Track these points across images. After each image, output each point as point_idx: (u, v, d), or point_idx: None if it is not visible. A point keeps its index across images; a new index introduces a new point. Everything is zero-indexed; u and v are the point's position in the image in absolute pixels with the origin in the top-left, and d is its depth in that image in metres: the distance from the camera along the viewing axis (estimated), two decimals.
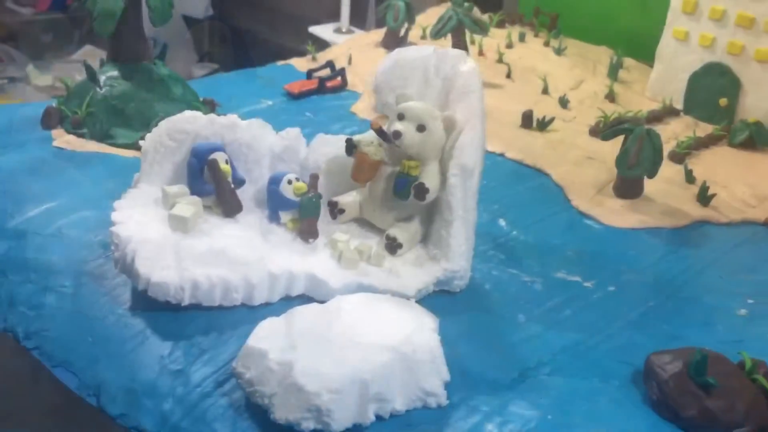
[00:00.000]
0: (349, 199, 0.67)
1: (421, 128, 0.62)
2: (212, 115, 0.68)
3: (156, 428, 0.52)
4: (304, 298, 0.61)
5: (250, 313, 0.59)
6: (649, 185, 0.87)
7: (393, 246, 0.64)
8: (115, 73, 0.87)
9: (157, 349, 0.56)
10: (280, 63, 1.21)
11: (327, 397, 0.47)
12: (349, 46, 1.31)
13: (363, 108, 1.03)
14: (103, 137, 0.85)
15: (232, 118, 0.69)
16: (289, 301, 0.60)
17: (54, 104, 0.88)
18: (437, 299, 0.63)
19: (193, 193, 0.65)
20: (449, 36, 1.16)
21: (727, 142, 1.04)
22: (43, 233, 0.69)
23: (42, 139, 0.85)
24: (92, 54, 1.96)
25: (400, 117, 0.63)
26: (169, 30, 2.24)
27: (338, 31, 1.42)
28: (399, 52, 0.67)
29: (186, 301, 0.58)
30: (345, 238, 0.63)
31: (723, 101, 1.08)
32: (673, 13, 1.11)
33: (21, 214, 0.71)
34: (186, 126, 0.67)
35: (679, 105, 1.13)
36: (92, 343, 0.58)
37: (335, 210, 0.66)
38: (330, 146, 0.69)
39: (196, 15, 2.38)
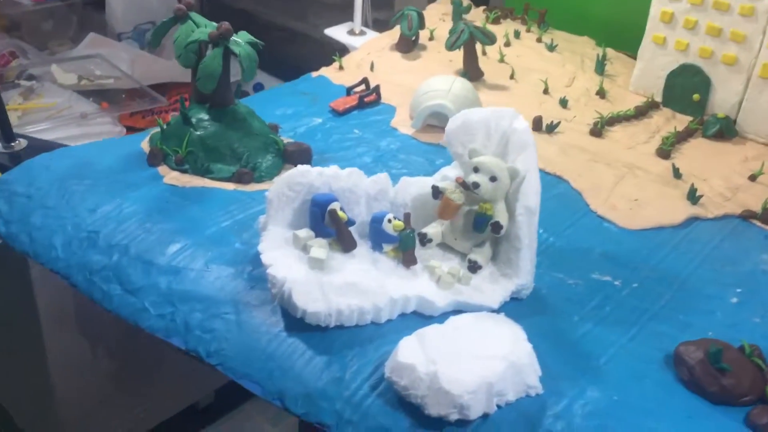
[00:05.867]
0: (434, 230, 0.86)
1: (493, 178, 0.81)
2: (319, 168, 0.86)
3: (334, 422, 0.72)
4: (416, 313, 0.81)
5: (377, 329, 0.78)
6: (647, 186, 1.08)
7: (475, 267, 0.84)
8: (204, 116, 1.03)
9: (317, 361, 0.76)
10: (315, 74, 1.37)
11: (467, 397, 0.67)
12: (367, 51, 1.47)
13: (401, 122, 1.21)
14: (204, 172, 1.02)
15: (335, 169, 0.87)
16: (403, 317, 0.80)
17: (148, 142, 1.05)
18: (509, 305, 0.84)
19: (317, 235, 0.83)
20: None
21: (701, 134, 1.26)
22: (194, 268, 0.86)
23: (153, 177, 1.01)
24: (98, 42, 2.05)
25: (476, 170, 0.82)
26: None
27: (351, 32, 1.57)
28: (464, 114, 0.85)
29: (332, 325, 0.77)
30: (438, 264, 0.83)
31: (696, 96, 1.29)
32: (653, 22, 1.31)
33: (167, 251, 0.88)
34: (301, 179, 0.85)
35: (658, 98, 1.34)
36: (265, 359, 0.77)
37: (425, 240, 0.86)
38: (412, 187, 0.88)
39: None
